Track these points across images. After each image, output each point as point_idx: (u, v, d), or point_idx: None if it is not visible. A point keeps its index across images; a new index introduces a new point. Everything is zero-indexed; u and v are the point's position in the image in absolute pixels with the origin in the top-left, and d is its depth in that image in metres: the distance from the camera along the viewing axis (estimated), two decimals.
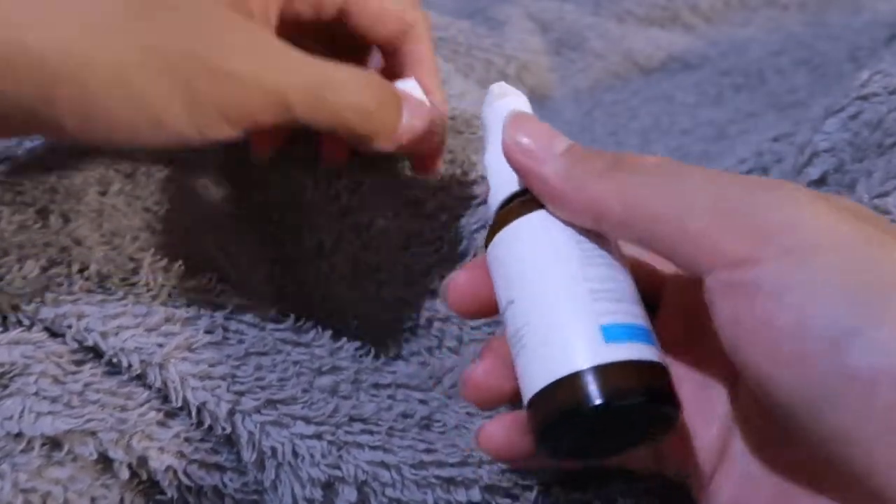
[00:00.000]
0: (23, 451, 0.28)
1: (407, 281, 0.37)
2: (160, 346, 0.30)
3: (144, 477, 0.28)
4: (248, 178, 0.39)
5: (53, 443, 0.28)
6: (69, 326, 0.30)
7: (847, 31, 0.49)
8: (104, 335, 0.30)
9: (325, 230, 0.38)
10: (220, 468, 0.28)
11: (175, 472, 0.28)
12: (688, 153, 0.48)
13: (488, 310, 0.27)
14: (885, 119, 0.35)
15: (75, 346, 0.30)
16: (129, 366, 0.30)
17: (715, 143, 0.48)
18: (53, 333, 0.31)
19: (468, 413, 0.31)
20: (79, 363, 0.30)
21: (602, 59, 0.57)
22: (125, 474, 0.27)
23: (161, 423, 0.28)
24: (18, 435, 0.28)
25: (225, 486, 0.28)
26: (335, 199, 0.37)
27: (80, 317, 0.30)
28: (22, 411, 0.28)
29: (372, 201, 0.37)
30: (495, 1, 0.60)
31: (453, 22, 0.55)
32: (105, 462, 0.28)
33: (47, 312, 0.31)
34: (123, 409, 0.28)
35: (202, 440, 0.28)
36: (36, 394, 0.28)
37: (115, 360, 0.30)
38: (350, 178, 0.37)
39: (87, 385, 0.29)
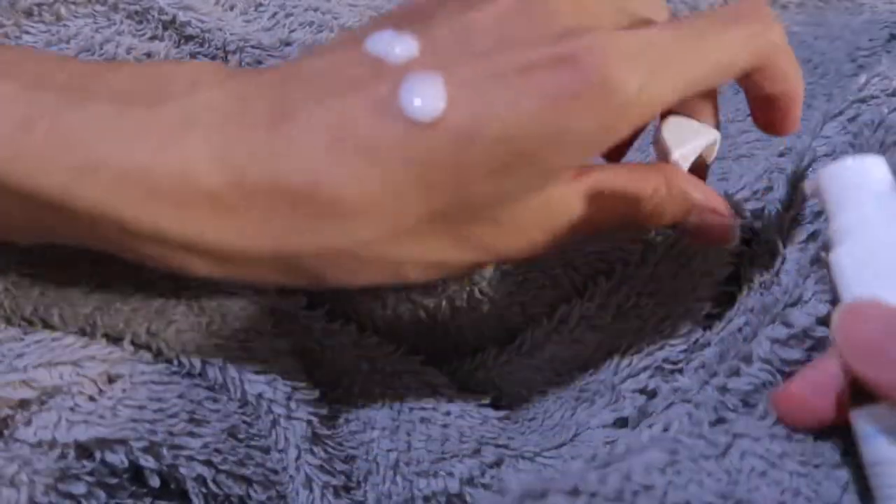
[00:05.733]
0: (43, 456, 0.28)
1: None
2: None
3: (173, 486, 0.29)
4: None
5: (84, 451, 0.29)
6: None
7: (847, 31, 0.49)
8: None
9: None
10: (247, 480, 0.29)
11: (205, 480, 0.29)
12: None
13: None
14: (887, 119, 0.36)
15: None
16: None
17: None
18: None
19: None
20: (112, 379, 0.31)
21: None
22: (156, 482, 0.28)
23: (191, 434, 0.29)
24: (49, 442, 0.29)
25: (250, 497, 0.29)
26: None
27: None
28: (57, 421, 0.29)
29: None
30: None
31: None
32: (134, 471, 0.29)
33: None
34: (153, 421, 0.29)
35: (231, 451, 0.30)
36: (72, 409, 0.29)
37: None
38: None
39: (119, 400, 0.30)
